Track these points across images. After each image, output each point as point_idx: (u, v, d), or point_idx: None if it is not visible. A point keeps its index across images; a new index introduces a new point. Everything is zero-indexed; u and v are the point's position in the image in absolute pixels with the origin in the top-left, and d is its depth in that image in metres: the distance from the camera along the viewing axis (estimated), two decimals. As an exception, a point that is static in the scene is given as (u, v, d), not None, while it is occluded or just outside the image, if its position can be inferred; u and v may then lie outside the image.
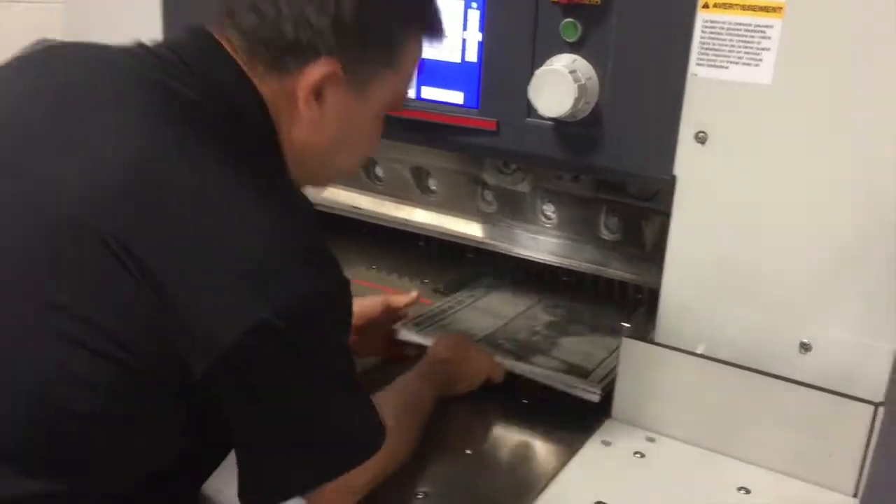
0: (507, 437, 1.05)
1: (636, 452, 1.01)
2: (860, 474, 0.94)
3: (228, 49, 0.75)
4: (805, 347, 0.97)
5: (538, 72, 0.99)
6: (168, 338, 0.64)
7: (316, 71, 0.74)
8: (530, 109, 1.03)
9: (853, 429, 0.93)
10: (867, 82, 0.87)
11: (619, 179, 1.12)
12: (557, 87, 0.98)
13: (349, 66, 0.76)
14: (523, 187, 1.22)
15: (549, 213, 1.26)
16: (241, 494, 0.73)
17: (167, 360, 0.65)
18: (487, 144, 1.09)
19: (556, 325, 1.28)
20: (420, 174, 1.37)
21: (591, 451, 1.01)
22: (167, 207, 0.65)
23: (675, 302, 1.03)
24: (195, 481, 0.79)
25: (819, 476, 0.96)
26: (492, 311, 1.32)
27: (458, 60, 1.10)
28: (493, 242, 1.32)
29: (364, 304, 1.13)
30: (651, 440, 1.04)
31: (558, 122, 1.03)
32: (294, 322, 0.65)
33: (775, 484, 0.96)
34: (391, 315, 1.17)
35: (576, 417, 1.07)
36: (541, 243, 1.30)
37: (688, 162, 0.98)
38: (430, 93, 1.11)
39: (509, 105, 1.06)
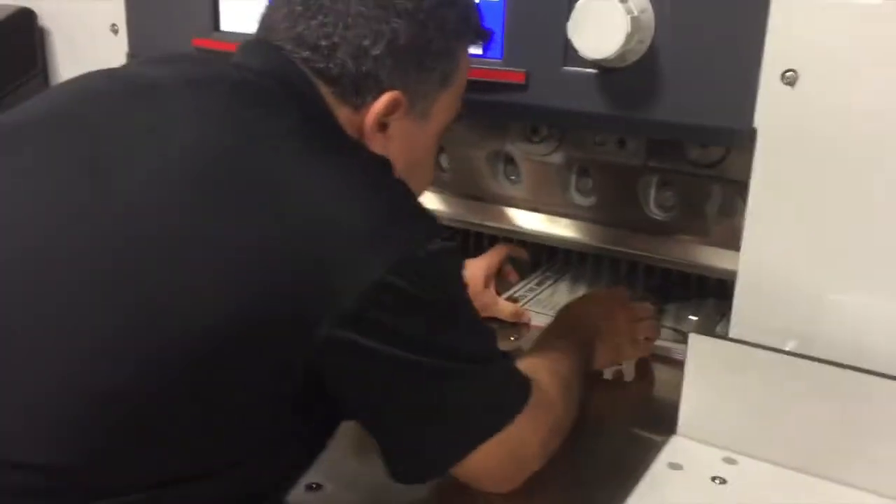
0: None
1: (714, 478, 0.81)
2: None
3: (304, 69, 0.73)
4: (929, 340, 0.76)
5: (580, 3, 0.79)
6: (274, 319, 0.59)
7: (379, 103, 0.73)
8: (568, 55, 0.84)
9: None
10: None
11: (680, 139, 0.92)
12: (604, 20, 0.78)
13: (410, 93, 0.74)
14: (556, 158, 1.02)
15: (585, 190, 1.05)
16: (392, 473, 0.71)
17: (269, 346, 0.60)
18: (514, 102, 0.90)
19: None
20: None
21: (659, 478, 0.81)
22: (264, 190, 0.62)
23: (755, 288, 0.83)
24: None
25: (957, 505, 0.75)
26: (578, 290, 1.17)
27: None
28: (520, 229, 1.12)
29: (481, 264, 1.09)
30: (731, 462, 0.83)
31: (603, 69, 0.83)
32: (410, 277, 0.62)
33: (899, 517, 0.76)
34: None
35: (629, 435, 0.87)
36: (574, 228, 1.10)
37: (773, 109, 0.78)
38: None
39: (541, 51, 0.86)
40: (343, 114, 0.72)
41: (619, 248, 1.08)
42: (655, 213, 1.02)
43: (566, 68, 0.86)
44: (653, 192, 1.01)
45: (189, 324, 0.57)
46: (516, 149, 1.04)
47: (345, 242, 0.61)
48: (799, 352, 0.81)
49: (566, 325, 0.94)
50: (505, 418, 0.71)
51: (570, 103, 0.87)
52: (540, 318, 1.06)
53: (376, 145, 0.73)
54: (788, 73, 0.76)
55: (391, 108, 0.72)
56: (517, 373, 0.75)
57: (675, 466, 0.83)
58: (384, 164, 0.70)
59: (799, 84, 0.76)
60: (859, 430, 0.78)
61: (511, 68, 0.88)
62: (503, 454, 0.72)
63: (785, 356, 0.81)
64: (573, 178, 1.06)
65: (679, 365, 1.00)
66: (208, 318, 0.57)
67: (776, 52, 0.76)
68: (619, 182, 1.01)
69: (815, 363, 0.80)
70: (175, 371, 0.57)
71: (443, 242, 0.66)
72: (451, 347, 0.67)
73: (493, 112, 0.96)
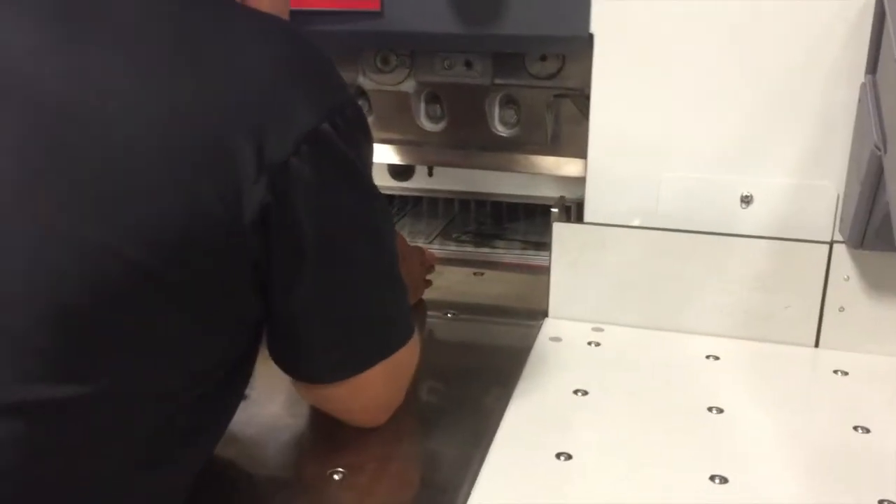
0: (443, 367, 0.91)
1: (590, 342, 0.92)
2: (819, 323, 0.91)
3: None
4: (746, 201, 0.91)
5: (429, -72, 0.86)
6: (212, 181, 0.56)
7: None
8: (420, -21, 0.90)
9: (808, 273, 0.90)
10: None
11: (525, 51, 1.02)
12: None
13: None
14: (407, 86, 1.09)
15: (436, 115, 1.13)
16: (299, 369, 0.69)
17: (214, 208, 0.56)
18: (370, 30, 0.95)
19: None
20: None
21: (544, 348, 0.91)
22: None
23: (602, 177, 0.95)
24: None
25: (780, 333, 0.92)
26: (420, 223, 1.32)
27: (324, -69, 0.94)
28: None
29: None
30: (599, 330, 0.95)
31: (454, -10, 0.91)
32: (338, 127, 0.61)
33: (741, 348, 0.91)
34: None
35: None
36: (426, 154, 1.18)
37: (605, 13, 0.89)
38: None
39: (394, -24, 0.93)
40: None
41: (467, 167, 1.18)
42: (500, 129, 1.12)
43: (419, -8, 0.93)
44: (497, 111, 1.11)
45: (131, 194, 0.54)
46: (368, 80, 1.10)
47: (273, 95, 0.59)
48: (644, 225, 0.94)
49: None
50: (407, 336, 0.72)
51: (426, 25, 0.94)
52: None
53: None
54: (616, -19, 0.88)
55: None
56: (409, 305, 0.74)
57: (555, 339, 0.93)
58: (285, 23, 0.68)
59: (626, -12, 0.88)
60: (695, 284, 0.93)
61: (366, -4, 0.94)
62: (387, 378, 0.71)
63: (633, 230, 0.94)
64: (423, 106, 1.13)
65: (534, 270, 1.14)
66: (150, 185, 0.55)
67: (604, -36, 0.88)
68: (467, 104, 1.10)
69: (657, 231, 0.93)
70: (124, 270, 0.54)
71: (350, 94, 0.67)
72: (377, 214, 0.67)
73: (349, 42, 1.01)
